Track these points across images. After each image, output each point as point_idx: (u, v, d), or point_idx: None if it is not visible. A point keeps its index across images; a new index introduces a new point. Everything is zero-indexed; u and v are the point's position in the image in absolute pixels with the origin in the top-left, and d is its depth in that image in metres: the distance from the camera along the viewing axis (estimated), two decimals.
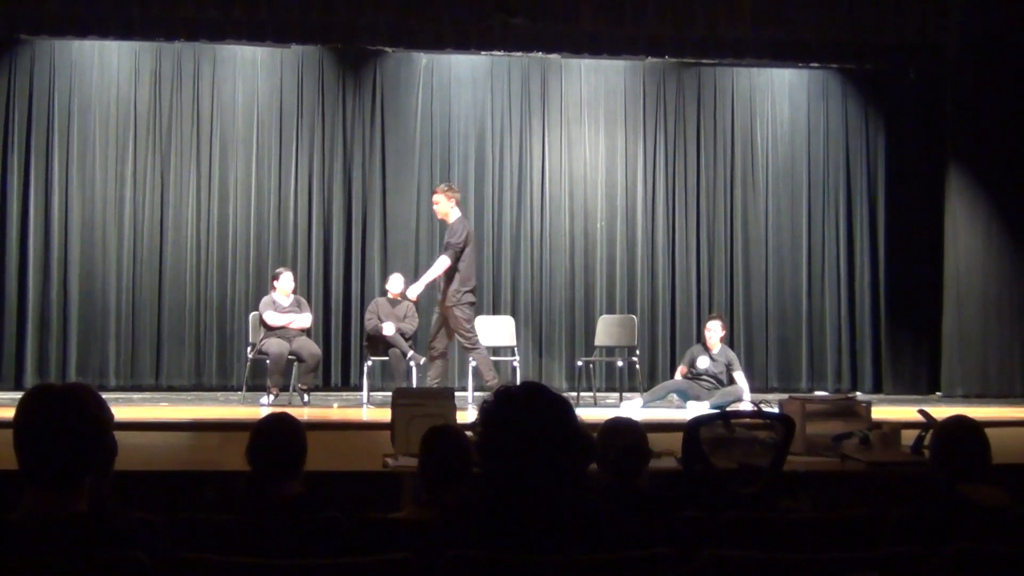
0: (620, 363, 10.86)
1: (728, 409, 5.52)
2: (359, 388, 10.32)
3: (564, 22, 10.54)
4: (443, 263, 9.21)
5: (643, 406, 9.54)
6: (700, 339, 10.36)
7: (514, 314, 11.36)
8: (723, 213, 12.05)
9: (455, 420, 5.52)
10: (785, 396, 7.60)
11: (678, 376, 10.07)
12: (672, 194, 12.02)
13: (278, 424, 3.83)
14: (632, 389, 10.48)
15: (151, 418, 8.40)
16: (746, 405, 9.47)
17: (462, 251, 9.18)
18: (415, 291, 9.62)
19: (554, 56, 11.44)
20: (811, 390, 11.48)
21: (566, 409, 2.68)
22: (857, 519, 3.46)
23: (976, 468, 3.51)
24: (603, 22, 10.54)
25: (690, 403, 9.62)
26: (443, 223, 9.61)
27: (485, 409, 2.70)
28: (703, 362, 9.92)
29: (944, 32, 10.87)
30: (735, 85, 12.16)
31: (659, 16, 10.45)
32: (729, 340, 11.70)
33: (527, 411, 2.64)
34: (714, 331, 10.02)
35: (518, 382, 9.31)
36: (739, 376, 10.00)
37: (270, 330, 9.78)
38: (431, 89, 11.74)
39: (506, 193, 11.83)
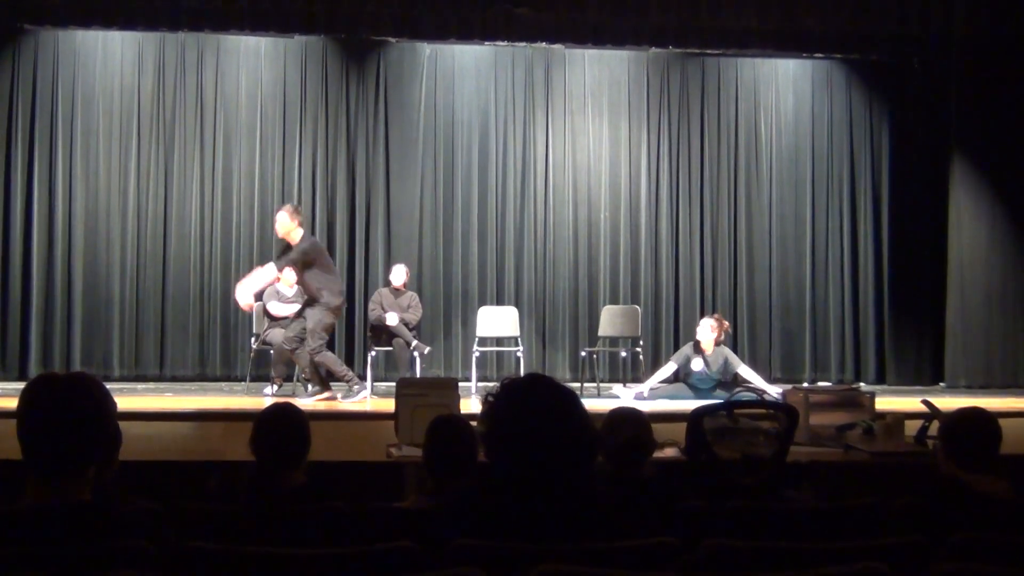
0: (624, 353, 10.86)
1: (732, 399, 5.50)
2: (363, 378, 10.31)
3: (568, 12, 10.52)
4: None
5: (635, 398, 9.33)
6: (694, 337, 9.93)
7: (517, 305, 11.35)
8: (727, 204, 12.02)
9: (459, 410, 5.53)
10: (788, 387, 7.60)
11: (667, 371, 9.80)
12: (676, 185, 11.99)
13: (282, 414, 3.83)
14: (635, 380, 10.48)
15: (155, 408, 8.40)
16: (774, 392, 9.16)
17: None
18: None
19: (558, 46, 11.41)
20: (814, 381, 11.48)
21: (572, 401, 2.67)
22: (860, 509, 3.46)
23: (984, 458, 3.52)
24: (607, 12, 10.52)
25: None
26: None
27: (491, 401, 2.70)
28: (697, 364, 9.54)
29: (948, 22, 10.84)
30: (739, 76, 12.14)
31: (663, 6, 10.43)
32: (732, 331, 11.70)
33: (533, 403, 2.64)
34: (704, 329, 9.59)
35: (522, 373, 9.34)
36: (746, 372, 9.60)
37: (274, 320, 9.78)
38: (435, 79, 11.72)
39: (509, 183, 11.81)
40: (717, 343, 9.59)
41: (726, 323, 9.95)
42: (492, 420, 2.69)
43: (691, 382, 9.61)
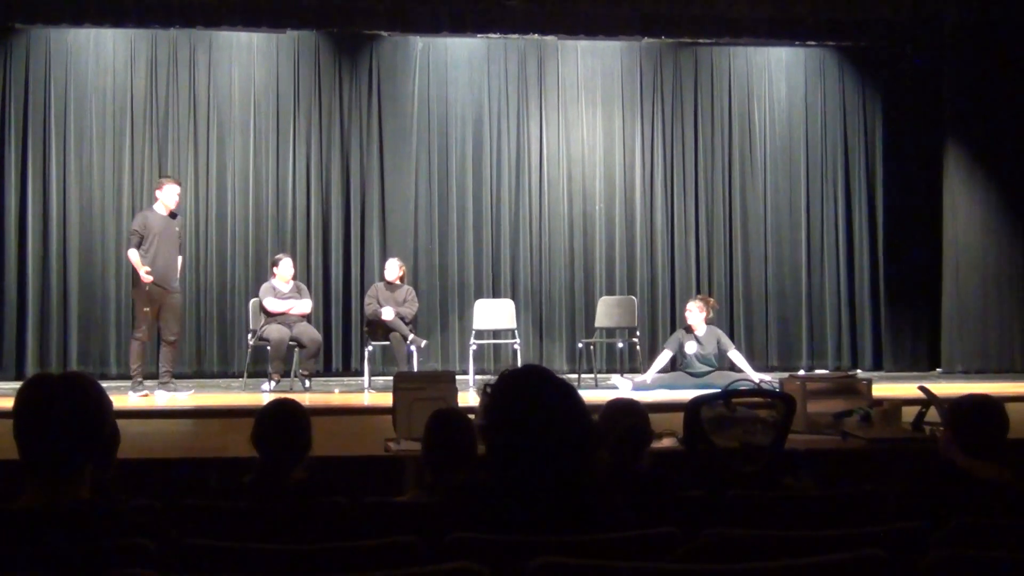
0: (620, 344, 10.86)
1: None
2: (360, 373, 10.33)
3: (560, 3, 10.52)
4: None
5: (634, 388, 9.39)
6: (683, 323, 10.15)
7: (514, 297, 11.36)
8: (721, 193, 12.03)
9: (457, 403, 5.53)
10: (785, 375, 7.61)
11: (664, 358, 9.89)
12: (670, 174, 11.99)
13: (284, 410, 3.83)
14: (633, 370, 10.50)
15: (152, 406, 8.42)
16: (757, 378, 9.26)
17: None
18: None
19: (550, 38, 11.40)
20: (811, 368, 11.48)
21: (570, 392, 2.67)
22: (859, 496, 3.47)
23: (991, 446, 3.53)
24: (599, 3, 10.52)
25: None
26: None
27: (489, 394, 2.70)
28: (691, 347, 9.72)
29: (941, 8, 10.84)
30: (732, 64, 12.13)
31: None
32: (729, 320, 11.74)
33: (530, 394, 2.65)
34: (692, 312, 9.83)
35: (519, 365, 9.31)
36: (736, 356, 9.79)
37: (270, 316, 9.78)
38: (428, 73, 11.70)
39: (504, 176, 11.80)
40: (707, 322, 9.84)
41: (712, 300, 10.23)
42: (489, 412, 2.69)
43: (687, 367, 9.72)
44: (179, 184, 9.52)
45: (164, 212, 9.17)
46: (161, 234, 9.05)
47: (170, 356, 9.31)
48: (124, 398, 8.58)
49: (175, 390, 9.17)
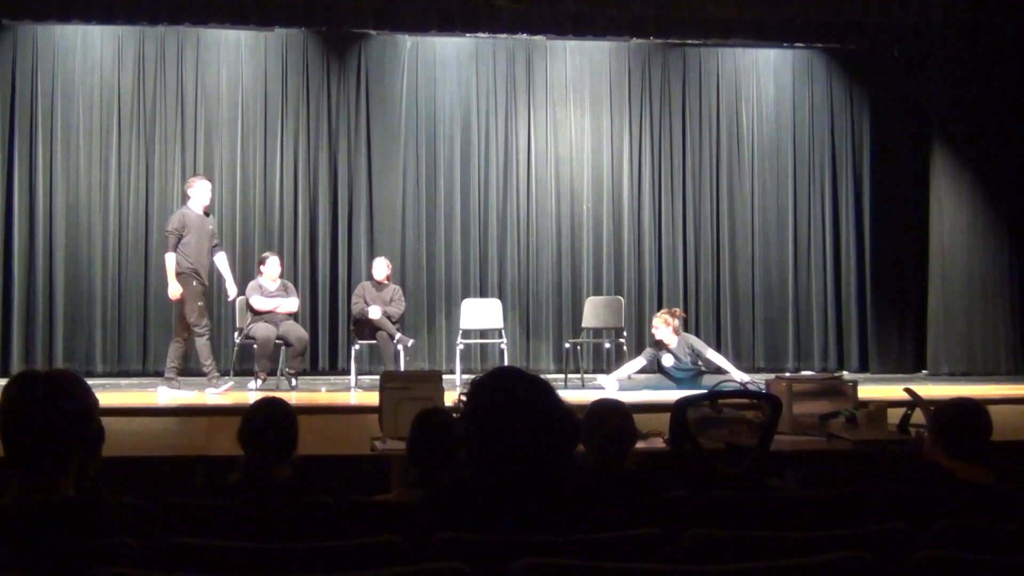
0: (607, 344, 10.86)
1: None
2: (347, 372, 10.31)
3: (548, 3, 10.51)
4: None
5: (620, 389, 9.34)
6: (651, 339, 9.93)
7: (501, 297, 11.35)
8: (709, 193, 12.04)
9: (443, 402, 5.53)
10: (772, 376, 7.62)
11: (637, 364, 9.80)
12: (658, 175, 12.01)
13: (271, 408, 3.83)
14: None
15: (138, 403, 8.39)
16: (739, 376, 9.16)
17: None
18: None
19: (539, 37, 11.39)
20: (798, 370, 11.50)
21: (544, 389, 2.68)
22: (844, 497, 3.48)
23: (976, 449, 3.55)
24: (587, 3, 10.51)
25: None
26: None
27: (465, 401, 2.72)
28: (667, 360, 9.59)
29: (928, 10, 10.86)
30: (720, 65, 12.15)
31: None
32: (715, 320, 11.77)
33: (503, 396, 2.66)
34: (659, 328, 9.64)
35: (507, 364, 9.32)
36: (715, 356, 9.69)
37: (257, 315, 9.76)
38: (416, 72, 11.69)
39: (492, 175, 11.80)
40: (676, 333, 9.67)
41: (677, 310, 10.06)
42: (466, 419, 2.71)
43: (668, 374, 9.66)
44: (210, 181, 9.57)
45: (199, 210, 9.21)
46: (199, 231, 9.14)
47: (182, 352, 9.32)
48: (110, 395, 8.54)
49: (178, 388, 9.11)
